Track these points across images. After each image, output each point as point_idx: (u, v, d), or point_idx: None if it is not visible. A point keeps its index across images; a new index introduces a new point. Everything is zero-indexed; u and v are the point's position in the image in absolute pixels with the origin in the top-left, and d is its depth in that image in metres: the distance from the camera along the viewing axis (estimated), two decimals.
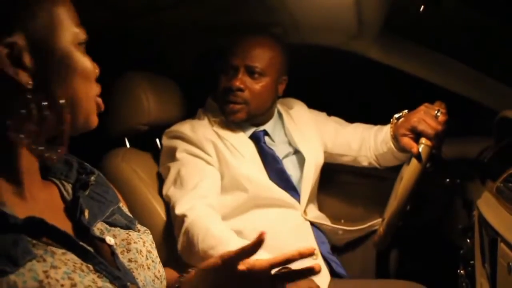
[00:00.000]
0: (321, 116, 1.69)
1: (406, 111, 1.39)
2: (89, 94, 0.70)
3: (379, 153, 1.54)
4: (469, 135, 1.69)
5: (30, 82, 0.62)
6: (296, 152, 1.58)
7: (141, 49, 1.66)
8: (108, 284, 0.65)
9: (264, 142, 1.53)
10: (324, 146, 1.63)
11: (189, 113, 1.59)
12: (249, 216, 1.44)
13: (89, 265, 0.65)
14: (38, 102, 0.63)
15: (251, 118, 1.49)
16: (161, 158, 1.48)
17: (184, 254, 1.27)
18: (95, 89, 0.72)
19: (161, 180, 1.45)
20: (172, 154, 1.42)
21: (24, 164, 0.66)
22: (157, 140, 1.61)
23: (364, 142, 1.58)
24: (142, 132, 1.52)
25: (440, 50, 1.68)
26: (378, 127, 1.57)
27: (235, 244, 1.13)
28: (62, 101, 0.65)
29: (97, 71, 0.73)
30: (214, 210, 1.32)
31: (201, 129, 1.45)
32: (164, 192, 1.40)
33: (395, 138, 1.40)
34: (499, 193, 1.04)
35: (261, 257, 0.79)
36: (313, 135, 1.61)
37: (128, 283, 0.68)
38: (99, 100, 0.73)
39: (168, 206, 1.38)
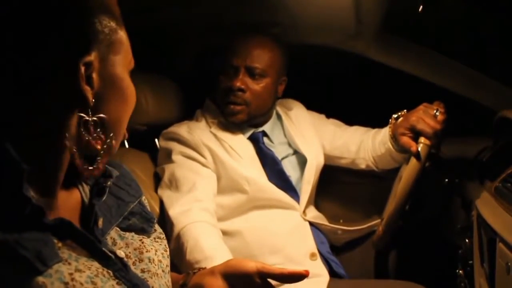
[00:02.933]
0: (320, 118, 1.68)
1: (405, 111, 1.39)
2: (127, 121, 0.72)
3: (377, 154, 1.53)
4: (468, 135, 1.69)
5: (93, 101, 0.63)
6: (296, 153, 1.58)
7: (140, 49, 1.65)
8: None
9: (263, 143, 1.52)
10: (322, 148, 1.63)
11: (188, 113, 1.59)
12: (249, 217, 1.44)
13: (109, 271, 0.66)
14: (95, 120, 0.65)
15: (251, 119, 1.48)
16: (158, 159, 1.48)
17: (174, 258, 1.24)
18: None
19: (159, 180, 1.45)
20: (168, 156, 1.42)
21: (60, 177, 0.67)
22: (156, 140, 1.61)
23: (362, 145, 1.58)
24: (141, 132, 1.52)
25: (439, 49, 1.69)
26: (376, 129, 1.57)
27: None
28: (109, 123, 0.67)
29: None
30: (209, 214, 1.31)
31: (198, 131, 1.44)
32: (159, 193, 1.39)
33: (394, 138, 1.40)
34: (497, 193, 1.04)
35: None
36: (312, 137, 1.60)
37: None
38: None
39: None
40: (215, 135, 1.45)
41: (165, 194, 1.36)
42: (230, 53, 1.45)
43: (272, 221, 1.44)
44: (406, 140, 1.31)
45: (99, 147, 0.67)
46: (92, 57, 0.63)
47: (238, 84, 1.42)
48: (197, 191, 1.32)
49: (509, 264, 0.84)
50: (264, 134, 1.54)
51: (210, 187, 1.38)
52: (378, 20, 1.54)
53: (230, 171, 1.41)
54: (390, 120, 1.42)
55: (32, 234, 0.58)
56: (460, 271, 1.27)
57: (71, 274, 0.60)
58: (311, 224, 1.51)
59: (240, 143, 1.47)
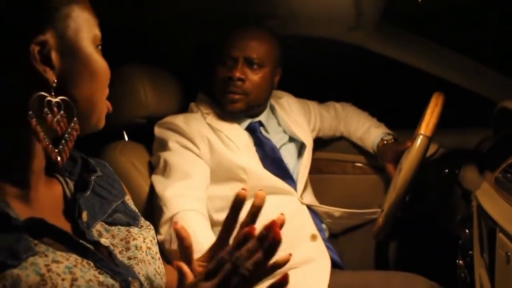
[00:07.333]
0: (309, 103, 1.75)
1: (392, 138, 1.59)
2: (103, 96, 0.72)
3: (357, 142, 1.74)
4: (468, 126, 1.69)
5: (55, 80, 0.63)
6: (291, 140, 1.61)
7: (139, 42, 1.65)
8: (110, 279, 0.65)
9: (260, 133, 1.54)
10: (315, 131, 1.72)
11: (187, 106, 1.59)
12: (248, 206, 1.44)
13: (90, 262, 0.65)
14: (58, 101, 0.64)
15: (248, 109, 1.49)
16: (153, 148, 1.47)
17: (163, 243, 1.23)
18: (107, 91, 0.73)
19: None
20: (164, 144, 1.42)
21: (35, 165, 0.66)
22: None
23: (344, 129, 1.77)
24: (140, 125, 1.52)
25: (438, 41, 1.68)
26: (366, 129, 1.67)
27: None
28: (78, 101, 0.67)
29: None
30: (202, 205, 1.31)
31: (195, 122, 1.45)
32: (152, 178, 1.37)
33: (377, 152, 1.61)
34: (497, 183, 1.04)
35: None
36: (304, 122, 1.65)
37: (130, 278, 0.68)
38: (108, 102, 0.74)
39: None
40: (210, 126, 1.46)
41: (159, 179, 1.35)
42: (228, 45, 1.47)
43: (271, 208, 1.44)
44: (390, 169, 1.52)
45: (61, 130, 0.65)
46: (47, 36, 0.62)
47: (237, 74, 1.43)
48: (191, 180, 1.32)
49: (509, 254, 0.84)
50: (260, 124, 1.55)
51: (203, 178, 1.38)
52: (378, 11, 1.53)
53: (226, 161, 1.41)
54: (379, 141, 1.60)
55: (2, 236, 0.58)
56: (460, 262, 1.27)
57: (47, 265, 0.59)
58: (309, 209, 1.52)
59: (236, 133, 1.48)
